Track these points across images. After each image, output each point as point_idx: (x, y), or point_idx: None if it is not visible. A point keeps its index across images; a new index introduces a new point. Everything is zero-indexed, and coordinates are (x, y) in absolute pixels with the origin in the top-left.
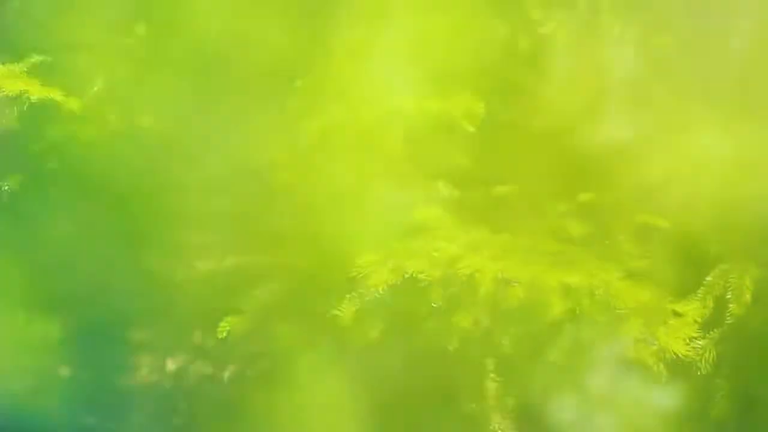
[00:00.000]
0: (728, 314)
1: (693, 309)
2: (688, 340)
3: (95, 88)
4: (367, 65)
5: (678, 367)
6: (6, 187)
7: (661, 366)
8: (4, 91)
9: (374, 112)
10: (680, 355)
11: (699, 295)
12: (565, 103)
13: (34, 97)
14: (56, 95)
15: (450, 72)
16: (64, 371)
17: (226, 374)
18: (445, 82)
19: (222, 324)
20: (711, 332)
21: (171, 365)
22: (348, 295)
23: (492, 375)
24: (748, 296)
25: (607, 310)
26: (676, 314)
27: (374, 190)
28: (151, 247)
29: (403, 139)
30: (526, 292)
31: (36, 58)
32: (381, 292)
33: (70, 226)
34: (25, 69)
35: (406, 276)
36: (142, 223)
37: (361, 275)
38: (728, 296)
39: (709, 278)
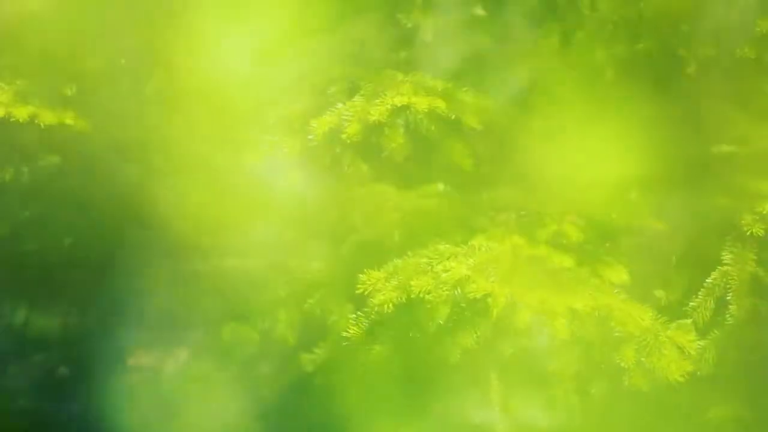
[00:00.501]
0: (729, 315)
1: (689, 340)
2: (682, 373)
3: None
4: None
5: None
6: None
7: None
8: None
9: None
10: (673, 381)
11: (699, 298)
12: None
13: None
14: (68, 119)
15: None
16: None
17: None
18: None
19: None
20: (711, 333)
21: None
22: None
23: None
24: (748, 297)
25: (608, 332)
26: (674, 343)
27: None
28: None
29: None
30: (533, 316)
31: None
32: (386, 310)
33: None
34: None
35: (412, 297)
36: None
37: (366, 292)
38: (728, 297)
39: (709, 280)
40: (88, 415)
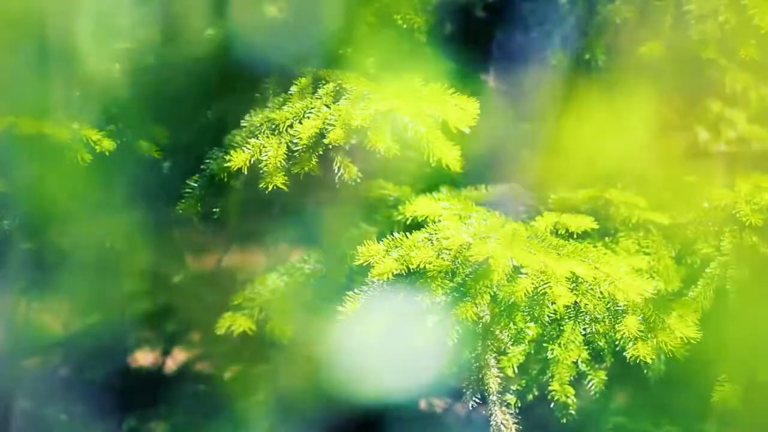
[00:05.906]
0: (729, 304)
1: (692, 310)
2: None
3: None
4: None
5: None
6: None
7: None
8: None
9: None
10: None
11: (699, 287)
12: None
13: None
14: None
15: None
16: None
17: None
18: None
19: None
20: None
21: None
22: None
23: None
24: (747, 287)
25: (610, 303)
26: (677, 315)
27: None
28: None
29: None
30: (534, 281)
31: None
32: (385, 283)
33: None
34: None
35: (412, 268)
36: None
37: (365, 265)
38: (728, 287)
39: (709, 270)
40: (88, 415)
